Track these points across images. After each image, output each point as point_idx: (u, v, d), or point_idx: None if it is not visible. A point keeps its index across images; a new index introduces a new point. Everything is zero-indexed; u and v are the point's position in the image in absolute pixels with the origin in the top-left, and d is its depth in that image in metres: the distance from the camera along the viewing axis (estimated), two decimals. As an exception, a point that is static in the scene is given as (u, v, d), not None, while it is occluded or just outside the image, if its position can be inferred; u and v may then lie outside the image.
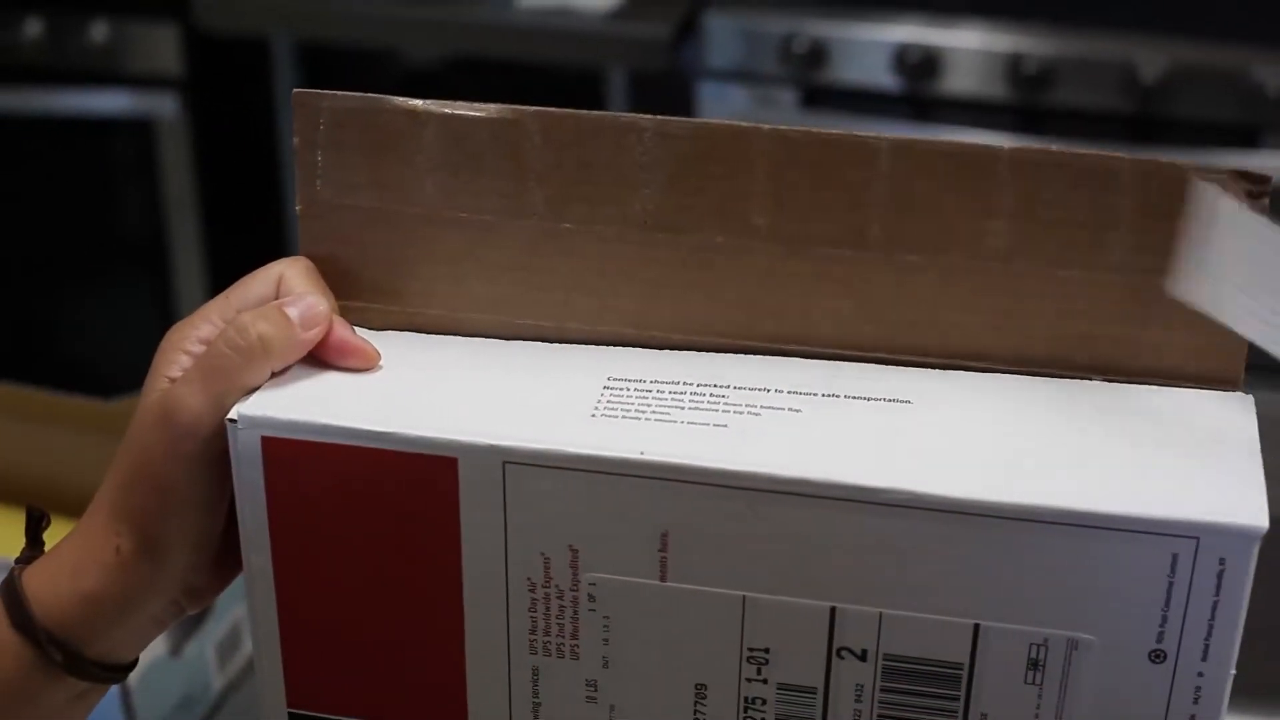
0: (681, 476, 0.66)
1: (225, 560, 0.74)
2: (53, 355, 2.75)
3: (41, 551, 0.75)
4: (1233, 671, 0.65)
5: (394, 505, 0.69)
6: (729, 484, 0.66)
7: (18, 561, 0.74)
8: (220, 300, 0.73)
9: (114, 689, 1.11)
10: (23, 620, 0.72)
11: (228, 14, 2.45)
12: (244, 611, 1.25)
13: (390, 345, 0.74)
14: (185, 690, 1.19)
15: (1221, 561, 0.63)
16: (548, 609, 0.69)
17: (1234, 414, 0.69)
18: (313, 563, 0.71)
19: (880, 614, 0.66)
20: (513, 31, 2.38)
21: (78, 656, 0.72)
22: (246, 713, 1.24)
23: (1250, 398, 0.69)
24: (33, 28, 2.48)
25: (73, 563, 0.72)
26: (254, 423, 0.69)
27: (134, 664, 0.76)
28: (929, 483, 0.64)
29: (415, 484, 0.68)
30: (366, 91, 0.74)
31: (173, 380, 0.71)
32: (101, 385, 1.33)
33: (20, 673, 0.72)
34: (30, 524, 0.76)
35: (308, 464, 0.69)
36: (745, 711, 0.70)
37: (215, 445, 0.70)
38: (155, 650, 1.15)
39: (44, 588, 0.72)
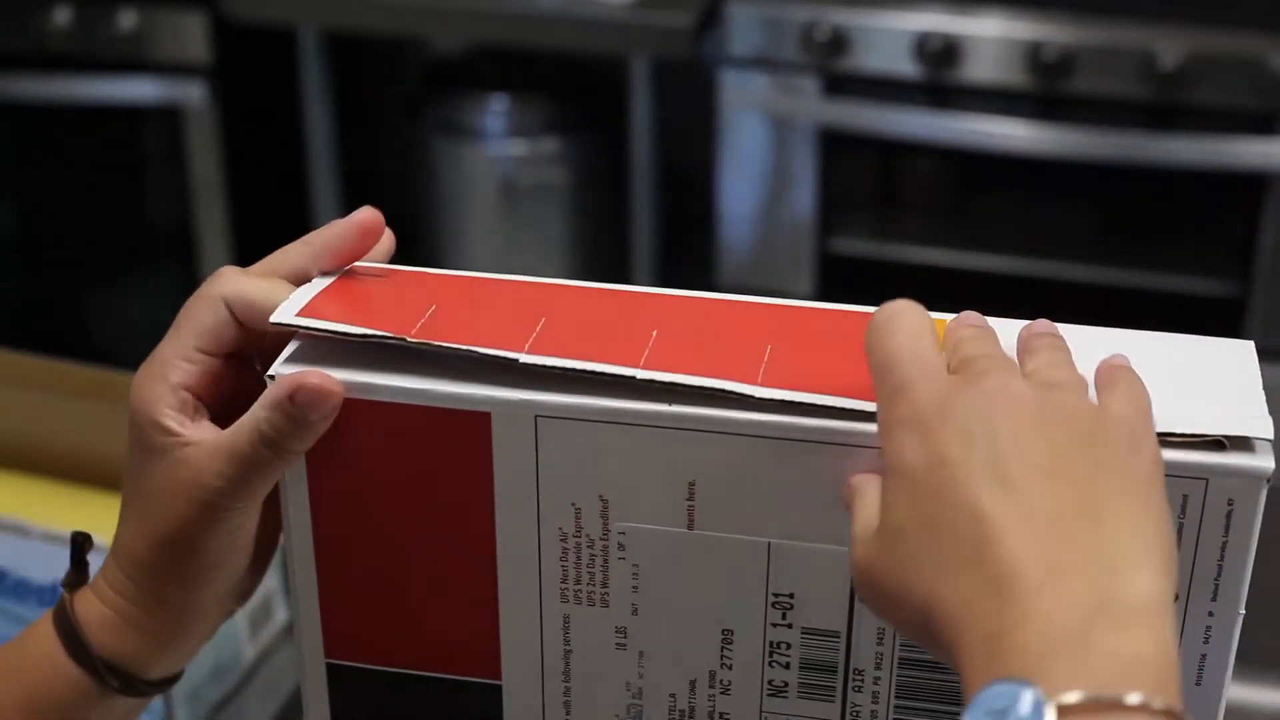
0: (707, 427, 0.68)
1: (265, 556, 0.76)
2: (82, 340, 2.76)
3: (86, 575, 0.76)
4: (1242, 611, 0.66)
5: (429, 459, 0.71)
6: (754, 434, 0.67)
7: (64, 585, 0.76)
8: (173, 341, 0.73)
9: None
10: (79, 651, 0.73)
11: (254, 2, 2.46)
12: (274, 582, 1.26)
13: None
14: (217, 659, 1.21)
15: (1230, 502, 0.64)
16: (579, 558, 0.71)
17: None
18: (350, 516, 0.73)
19: (901, 560, 0.68)
20: (536, 21, 2.40)
21: (133, 680, 0.74)
22: (277, 681, 1.25)
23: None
24: (62, 15, 2.49)
25: (121, 606, 0.73)
26: None
27: (183, 672, 0.78)
28: None
29: (449, 438, 0.70)
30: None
31: (171, 432, 0.71)
32: (129, 370, 1.34)
33: (76, 697, 0.74)
34: (74, 549, 0.77)
35: (343, 420, 0.70)
36: (770, 656, 0.71)
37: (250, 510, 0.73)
38: (188, 619, 1.17)
39: (97, 621, 0.73)
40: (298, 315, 0.71)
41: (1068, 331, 0.71)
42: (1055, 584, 0.55)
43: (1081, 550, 0.56)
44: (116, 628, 0.73)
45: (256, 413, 0.70)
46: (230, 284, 0.73)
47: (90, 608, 0.74)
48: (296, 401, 0.69)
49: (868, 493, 0.63)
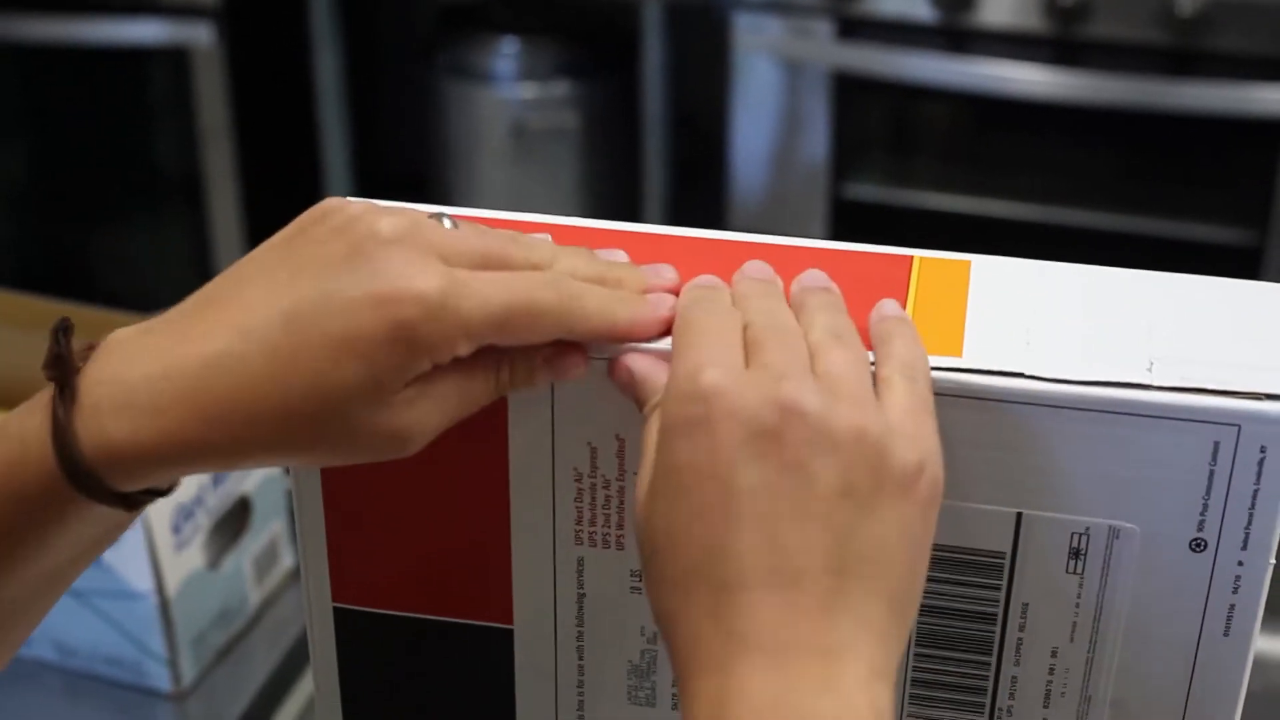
0: None
1: None
2: (88, 284, 2.76)
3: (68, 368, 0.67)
4: (1273, 560, 0.65)
5: (440, 398, 0.69)
6: None
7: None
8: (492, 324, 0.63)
9: (153, 602, 1.13)
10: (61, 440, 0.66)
11: (263, -57, 2.45)
12: (281, 526, 1.26)
13: None
14: (222, 603, 1.20)
15: (1263, 450, 0.63)
16: (593, 499, 0.70)
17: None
18: None
19: (923, 504, 0.67)
20: (548, -38, 2.39)
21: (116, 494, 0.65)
22: (283, 626, 1.25)
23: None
24: (69, -43, 2.49)
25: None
26: None
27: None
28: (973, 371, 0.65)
29: None
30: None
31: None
32: (134, 313, 1.34)
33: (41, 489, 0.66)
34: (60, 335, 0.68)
35: None
36: None
37: None
38: (193, 564, 1.16)
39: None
40: None
41: (1100, 274, 0.70)
42: (783, 660, 0.58)
43: (818, 620, 0.58)
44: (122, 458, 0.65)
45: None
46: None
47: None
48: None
49: (647, 437, 0.62)
